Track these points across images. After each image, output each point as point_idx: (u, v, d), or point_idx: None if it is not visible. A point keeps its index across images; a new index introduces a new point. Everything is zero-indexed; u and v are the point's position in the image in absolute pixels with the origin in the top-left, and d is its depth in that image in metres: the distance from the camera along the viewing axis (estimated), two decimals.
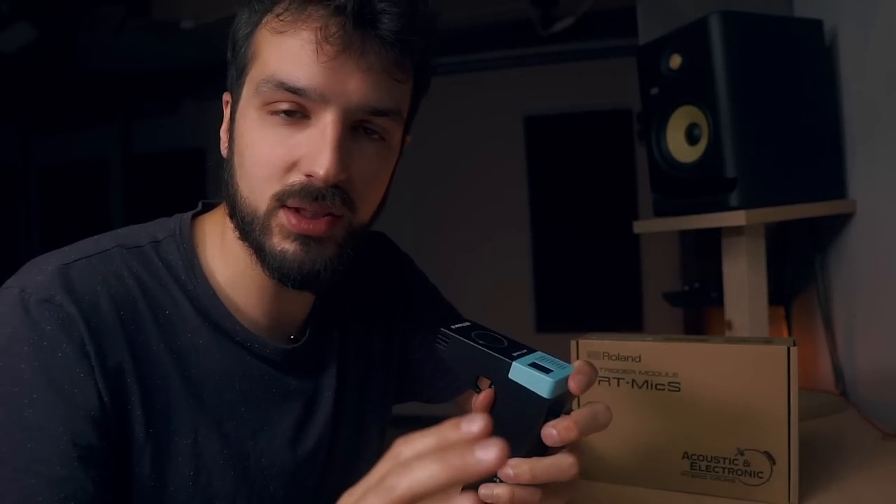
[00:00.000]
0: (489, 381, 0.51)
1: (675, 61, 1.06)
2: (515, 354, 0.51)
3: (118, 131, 4.92)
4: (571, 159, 4.30)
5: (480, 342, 0.52)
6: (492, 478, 0.48)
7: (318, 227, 0.58)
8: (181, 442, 0.60)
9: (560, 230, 4.33)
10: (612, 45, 3.79)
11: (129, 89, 4.58)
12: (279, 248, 0.59)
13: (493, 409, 0.51)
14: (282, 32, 0.56)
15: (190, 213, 0.69)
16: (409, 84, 0.61)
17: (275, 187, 0.58)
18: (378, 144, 0.60)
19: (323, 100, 0.56)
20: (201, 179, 4.47)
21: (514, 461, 0.47)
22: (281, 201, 0.58)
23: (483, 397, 0.51)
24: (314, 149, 0.56)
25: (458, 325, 0.55)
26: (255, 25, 0.59)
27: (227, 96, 0.64)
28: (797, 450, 0.69)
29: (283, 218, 0.58)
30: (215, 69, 0.76)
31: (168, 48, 3.71)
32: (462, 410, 0.91)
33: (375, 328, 0.81)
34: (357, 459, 0.76)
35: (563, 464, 0.47)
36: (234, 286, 0.65)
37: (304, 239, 0.58)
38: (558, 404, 0.50)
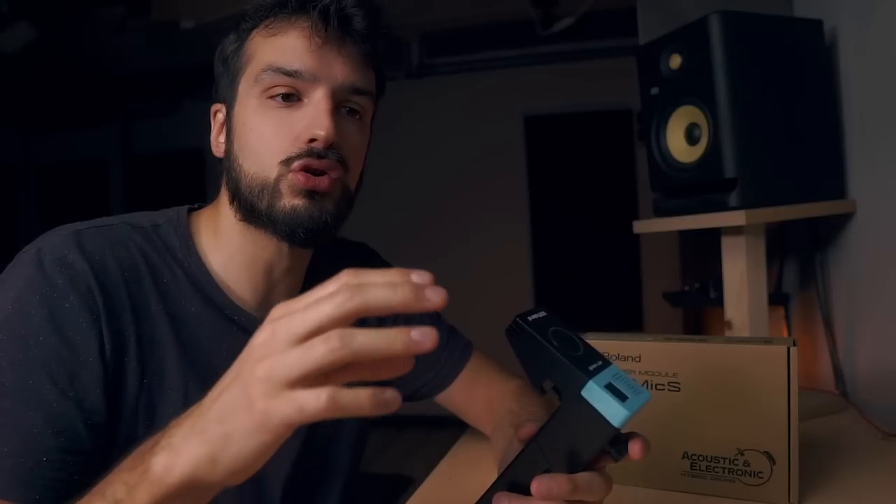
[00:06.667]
0: (554, 386, 0.49)
1: (675, 61, 1.06)
2: (592, 368, 0.47)
3: (118, 131, 4.92)
4: (571, 159, 4.30)
5: (555, 344, 0.48)
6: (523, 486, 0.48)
7: (322, 182, 0.67)
8: (172, 395, 0.66)
9: (560, 230, 4.33)
10: (612, 45, 3.79)
11: (129, 89, 4.58)
12: (290, 205, 0.67)
13: (552, 419, 0.49)
14: (274, 35, 0.68)
15: (186, 207, 0.77)
16: (374, 78, 0.73)
17: (282, 155, 0.67)
18: (357, 122, 0.72)
19: (314, 80, 0.67)
20: (201, 179, 4.47)
21: (559, 477, 0.48)
22: (288, 165, 0.66)
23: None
24: (312, 119, 0.66)
25: (535, 317, 0.51)
26: (245, 39, 0.70)
27: (217, 107, 0.74)
28: (797, 450, 0.69)
29: (293, 178, 0.66)
30: None
31: (168, 48, 3.71)
32: (443, 409, 0.95)
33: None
34: (337, 434, 0.82)
35: (597, 484, 0.51)
36: (225, 268, 0.73)
37: (310, 194, 0.67)
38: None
